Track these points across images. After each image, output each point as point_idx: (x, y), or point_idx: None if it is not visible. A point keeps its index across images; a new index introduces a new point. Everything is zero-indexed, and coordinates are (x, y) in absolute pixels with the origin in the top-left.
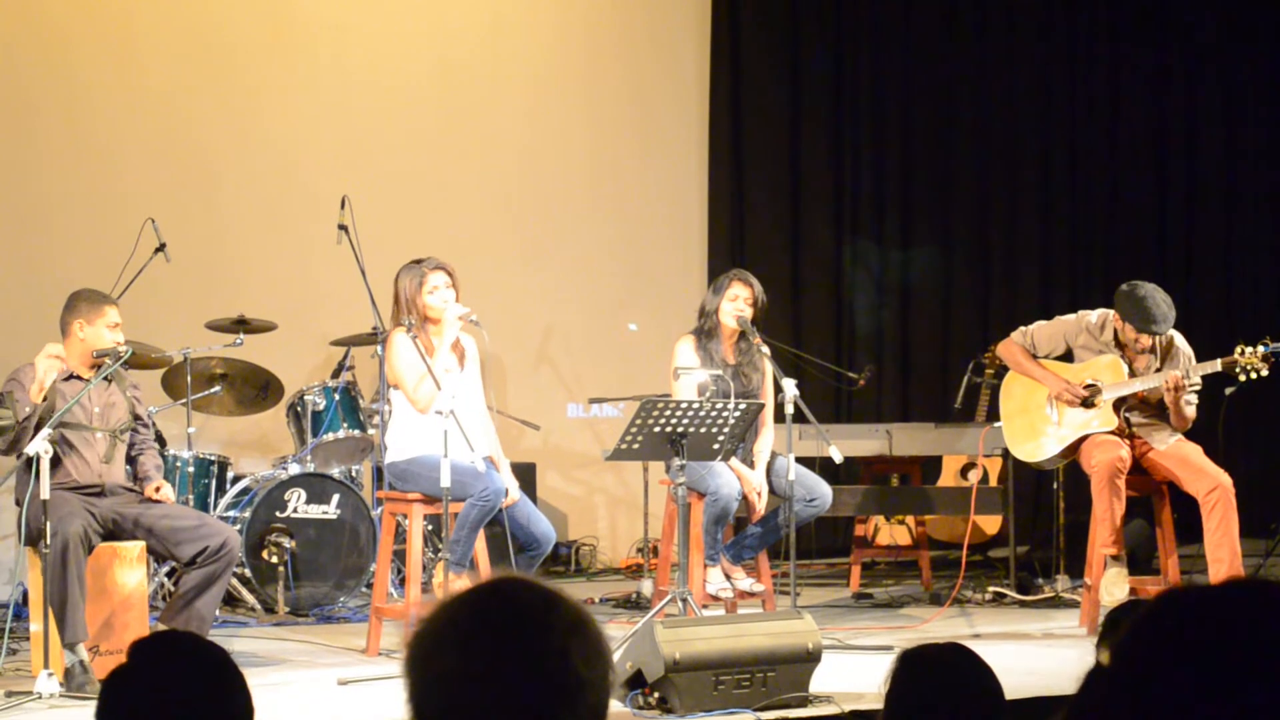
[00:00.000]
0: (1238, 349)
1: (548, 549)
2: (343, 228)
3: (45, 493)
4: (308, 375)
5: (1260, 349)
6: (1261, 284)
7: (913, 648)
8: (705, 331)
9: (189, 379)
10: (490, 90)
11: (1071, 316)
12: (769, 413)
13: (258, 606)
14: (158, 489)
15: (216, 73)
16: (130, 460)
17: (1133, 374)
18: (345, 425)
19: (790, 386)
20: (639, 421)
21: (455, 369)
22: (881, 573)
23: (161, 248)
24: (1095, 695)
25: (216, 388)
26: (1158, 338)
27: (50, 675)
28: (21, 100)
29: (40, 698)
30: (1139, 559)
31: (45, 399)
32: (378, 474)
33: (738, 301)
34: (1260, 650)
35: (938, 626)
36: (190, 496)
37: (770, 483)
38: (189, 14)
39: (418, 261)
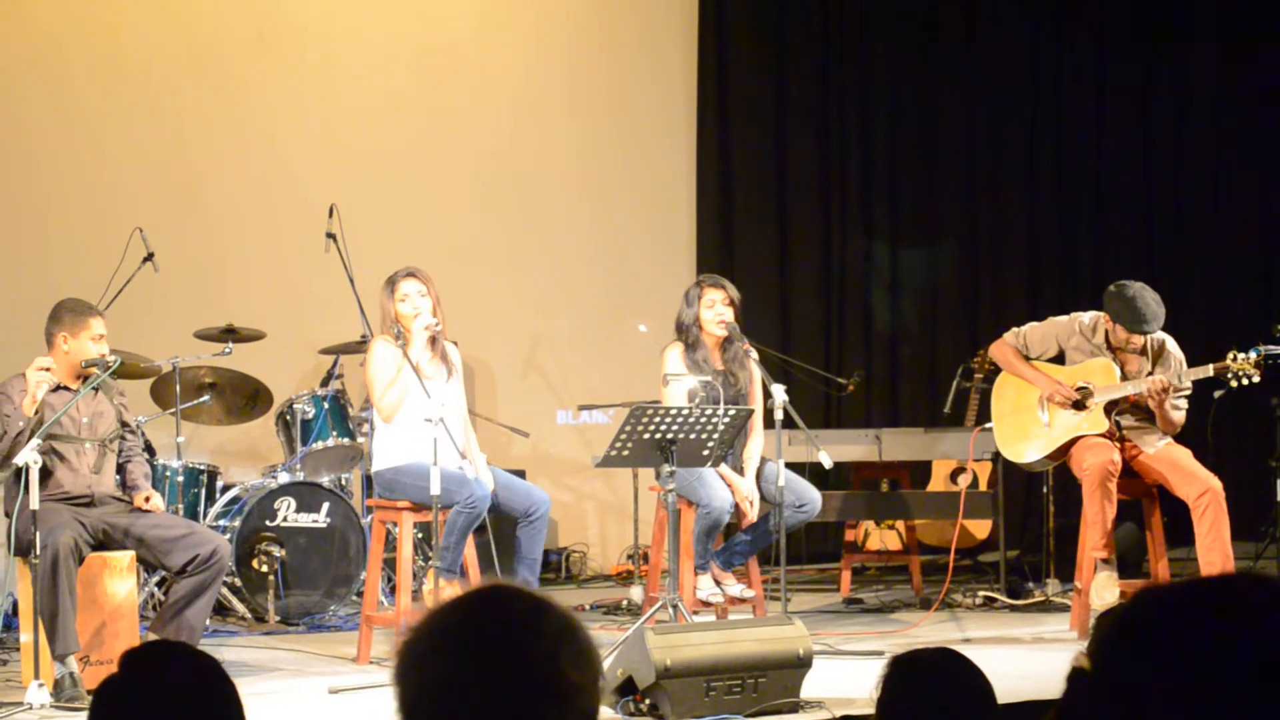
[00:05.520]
0: (1229, 354)
1: (546, 509)
2: (331, 236)
3: (35, 504)
4: (297, 384)
5: (1252, 354)
6: (1248, 288)
7: (903, 653)
8: (690, 345)
9: (178, 388)
10: (476, 96)
11: (1064, 318)
12: (758, 418)
13: (248, 615)
14: (147, 499)
15: (204, 81)
16: (119, 468)
17: (1124, 377)
18: (335, 433)
19: (779, 392)
20: (628, 428)
21: (440, 378)
22: (872, 578)
23: (149, 257)
24: (1080, 697)
25: (205, 397)
26: (1149, 339)
27: (41, 686)
28: (11, 109)
29: (31, 708)
30: (1129, 562)
31: (37, 412)
32: (367, 482)
33: (715, 307)
34: (1236, 644)
35: (928, 631)
36: (180, 506)
37: (760, 489)
38: (178, 23)
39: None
